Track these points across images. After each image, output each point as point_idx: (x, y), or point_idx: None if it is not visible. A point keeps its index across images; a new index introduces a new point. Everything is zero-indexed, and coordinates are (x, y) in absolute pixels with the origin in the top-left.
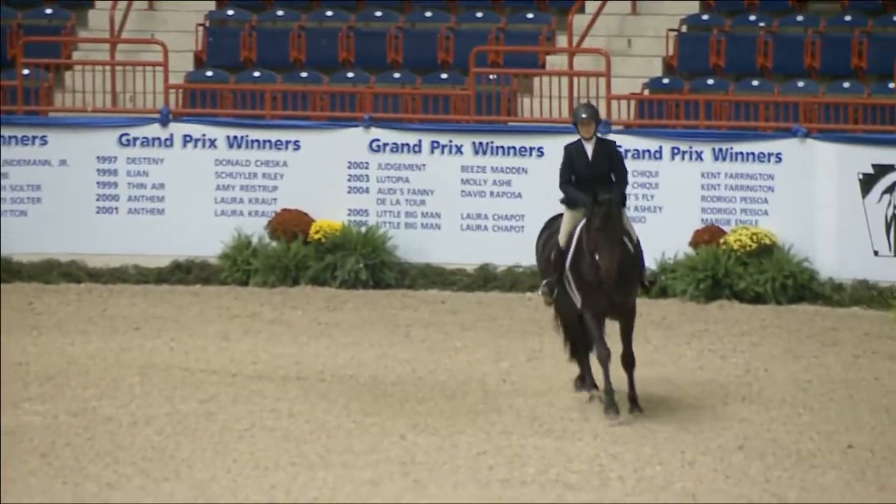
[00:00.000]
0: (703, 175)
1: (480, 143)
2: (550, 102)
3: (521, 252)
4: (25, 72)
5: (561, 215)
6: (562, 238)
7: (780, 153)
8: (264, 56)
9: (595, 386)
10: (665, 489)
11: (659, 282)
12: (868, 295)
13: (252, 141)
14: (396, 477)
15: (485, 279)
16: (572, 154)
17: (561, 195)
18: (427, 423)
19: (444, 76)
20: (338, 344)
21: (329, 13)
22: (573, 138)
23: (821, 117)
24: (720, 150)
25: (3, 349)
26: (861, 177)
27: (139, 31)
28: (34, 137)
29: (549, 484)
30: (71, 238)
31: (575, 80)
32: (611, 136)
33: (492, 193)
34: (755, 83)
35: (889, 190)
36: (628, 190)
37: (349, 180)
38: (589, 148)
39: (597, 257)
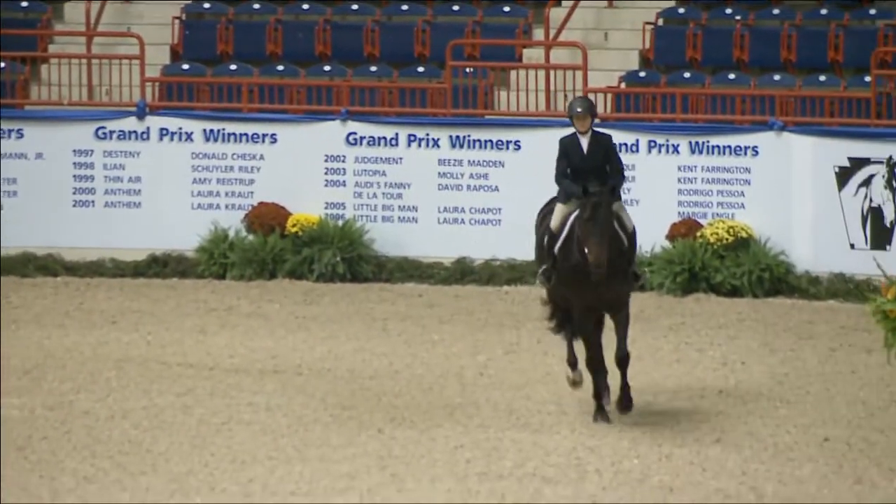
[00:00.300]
0: (679, 168)
1: (457, 137)
2: (527, 96)
3: (498, 245)
4: (1, 65)
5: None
6: (554, 221)
7: (756, 146)
8: (241, 49)
9: (577, 365)
10: (642, 482)
11: (645, 280)
12: (844, 288)
13: (229, 134)
14: (373, 470)
15: (462, 272)
16: (567, 147)
17: (555, 191)
18: (404, 416)
19: (420, 69)
20: (315, 337)
21: (305, 6)
22: (549, 132)
23: (797, 110)
24: (697, 143)
25: None
26: (837, 170)
27: (115, 24)
28: (10, 131)
29: (526, 477)
30: (47, 231)
31: (552, 73)
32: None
33: (469, 187)
34: (732, 76)
35: (865, 183)
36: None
37: (326, 174)
38: (584, 141)
39: (585, 249)
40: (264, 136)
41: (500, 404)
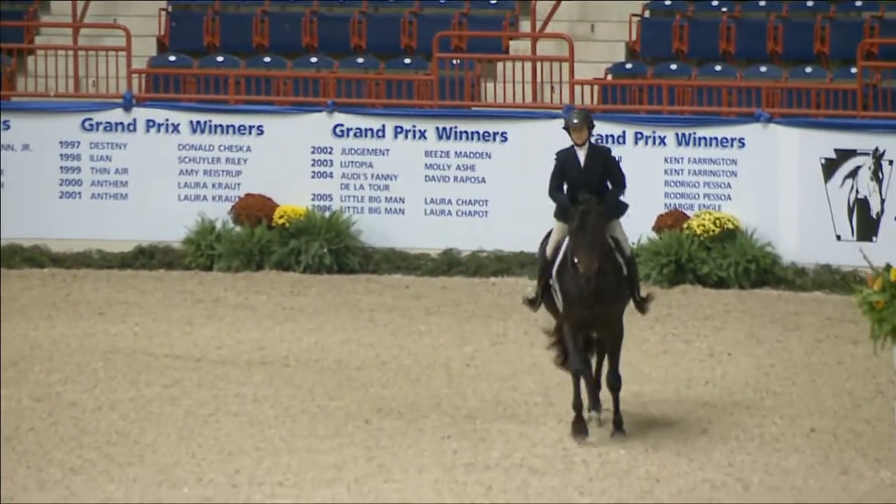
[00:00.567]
0: (666, 160)
1: (444, 129)
2: (514, 88)
3: (484, 237)
4: None
5: None
6: (549, 247)
7: (742, 138)
8: (227, 41)
9: (595, 406)
10: (629, 473)
11: (652, 299)
12: (830, 279)
13: (215, 126)
14: (360, 461)
15: (449, 264)
16: (563, 161)
17: (553, 209)
18: (391, 407)
19: (407, 61)
20: (302, 329)
21: None
22: (536, 124)
23: (783, 102)
24: (683, 135)
25: None
26: (824, 162)
27: (102, 15)
28: None
29: (513, 468)
30: (34, 223)
31: (538, 65)
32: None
33: (455, 178)
34: (718, 68)
35: (851, 174)
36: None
37: (313, 165)
38: (581, 154)
39: (575, 259)
40: (251, 127)
41: (487, 395)
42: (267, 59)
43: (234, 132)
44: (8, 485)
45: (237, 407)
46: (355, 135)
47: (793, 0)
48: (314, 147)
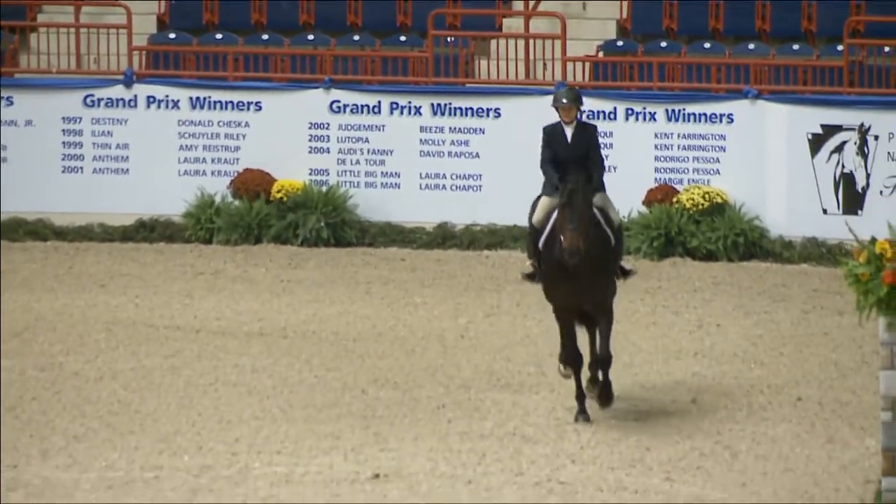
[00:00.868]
0: (656, 135)
1: (438, 105)
2: (507, 65)
3: (478, 211)
4: None
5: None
6: (536, 215)
7: (731, 114)
8: (226, 19)
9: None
10: (619, 441)
11: (634, 273)
12: (817, 252)
13: (214, 102)
14: (357, 430)
15: (443, 237)
16: (550, 136)
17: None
18: (387, 377)
19: (402, 39)
20: (300, 300)
21: None
22: (528, 100)
23: (771, 79)
24: (673, 111)
25: None
26: (810, 137)
27: None
28: (0, 98)
29: (506, 436)
30: (37, 197)
31: (531, 42)
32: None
33: (450, 153)
34: (707, 46)
35: (837, 150)
36: None
37: (310, 140)
38: (569, 131)
39: (561, 237)
40: (249, 103)
41: (481, 366)
42: (265, 37)
43: (232, 108)
44: (12, 452)
45: (236, 377)
46: (352, 111)
47: None
48: (311, 123)
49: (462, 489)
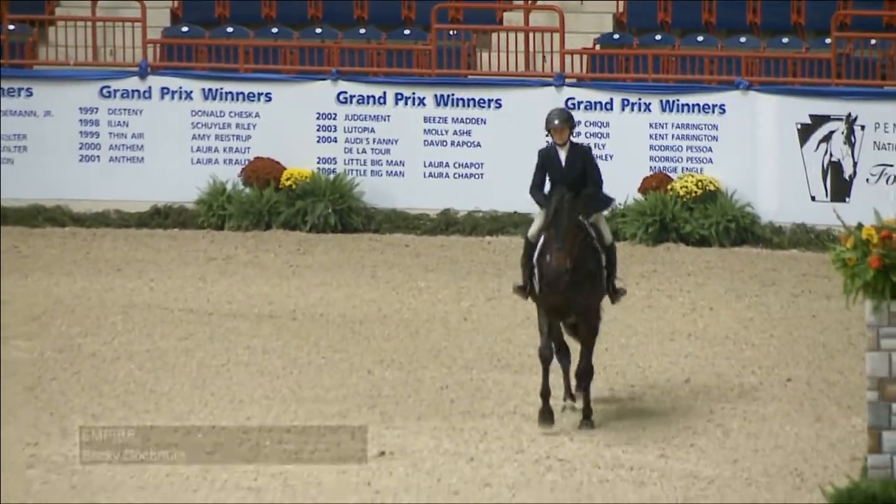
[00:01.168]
0: (651, 125)
1: (442, 96)
2: (507, 57)
3: (480, 198)
4: (11, 27)
5: None
6: (531, 230)
7: (723, 105)
8: (237, 12)
9: (571, 396)
10: (616, 420)
11: (624, 293)
12: (806, 238)
13: (226, 93)
14: (364, 410)
15: (446, 223)
16: (545, 159)
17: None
18: (392, 358)
19: (407, 32)
20: (308, 284)
21: None
22: (528, 91)
23: (761, 71)
24: (667, 101)
25: None
26: (799, 127)
27: None
28: (20, 90)
29: (507, 415)
30: (55, 185)
31: (530, 35)
32: (566, 90)
33: (453, 143)
34: (700, 39)
35: (825, 139)
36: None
37: (318, 130)
38: (562, 153)
39: (548, 256)
40: (259, 94)
41: (483, 347)
42: (274, 30)
43: (243, 99)
44: (32, 431)
45: (247, 358)
46: (358, 101)
47: None
48: (319, 113)
49: (464, 466)
